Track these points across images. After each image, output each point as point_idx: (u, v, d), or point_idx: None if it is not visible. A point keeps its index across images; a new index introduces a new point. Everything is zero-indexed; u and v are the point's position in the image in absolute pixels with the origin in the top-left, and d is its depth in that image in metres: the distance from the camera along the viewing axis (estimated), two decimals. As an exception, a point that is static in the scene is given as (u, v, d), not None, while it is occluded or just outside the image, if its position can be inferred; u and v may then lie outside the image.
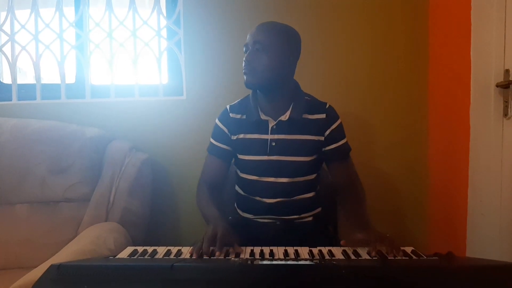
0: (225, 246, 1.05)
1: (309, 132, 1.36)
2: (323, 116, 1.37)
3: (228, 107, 1.44)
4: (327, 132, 1.37)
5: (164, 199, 2.00)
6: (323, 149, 1.38)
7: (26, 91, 2.02)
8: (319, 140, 1.37)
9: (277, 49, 1.28)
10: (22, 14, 2.01)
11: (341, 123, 1.40)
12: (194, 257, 1.01)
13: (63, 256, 1.32)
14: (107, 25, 1.99)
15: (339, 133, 1.39)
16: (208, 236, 1.06)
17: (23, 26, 1.99)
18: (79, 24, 2.01)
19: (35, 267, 1.23)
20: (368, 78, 1.97)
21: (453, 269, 0.87)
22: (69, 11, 2.02)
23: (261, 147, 1.36)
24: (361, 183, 1.41)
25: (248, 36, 1.31)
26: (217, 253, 1.01)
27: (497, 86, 1.40)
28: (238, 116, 1.41)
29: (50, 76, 2.12)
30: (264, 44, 1.27)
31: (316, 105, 1.39)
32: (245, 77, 1.30)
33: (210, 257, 1.01)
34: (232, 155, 1.45)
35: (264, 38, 1.27)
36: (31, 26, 1.99)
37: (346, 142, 1.41)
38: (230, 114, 1.41)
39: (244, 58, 1.29)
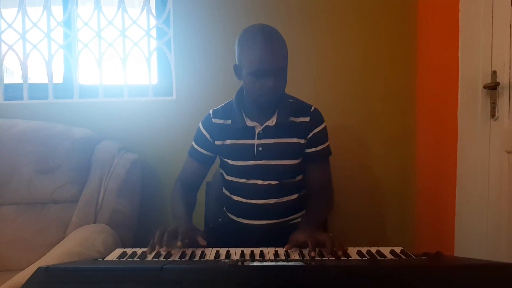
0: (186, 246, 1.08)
1: (294, 135, 1.36)
2: (307, 119, 1.36)
3: (211, 112, 1.42)
4: (310, 135, 1.36)
5: (153, 199, 1.98)
6: (305, 150, 1.39)
7: (13, 91, 2.00)
8: (303, 143, 1.37)
9: (286, 64, 1.27)
10: (9, 13, 1.98)
11: (325, 127, 1.39)
12: (148, 253, 1.04)
13: (51, 258, 1.30)
14: (95, 24, 1.98)
15: (321, 137, 1.38)
16: (168, 230, 1.08)
17: (10, 25, 1.96)
18: (67, 23, 1.99)
19: (22, 269, 1.21)
20: (356, 79, 1.98)
21: (442, 268, 0.88)
22: (57, 10, 2.00)
23: (247, 152, 1.35)
24: (333, 189, 1.42)
25: (259, 62, 1.20)
26: (178, 244, 1.05)
27: (484, 87, 1.42)
28: (221, 121, 1.38)
29: (37, 76, 2.09)
30: (283, 67, 1.24)
31: (301, 108, 1.38)
32: (266, 100, 1.26)
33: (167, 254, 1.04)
34: (213, 160, 1.45)
35: (282, 61, 1.23)
36: (18, 25, 1.97)
37: (328, 146, 1.41)
38: (213, 120, 1.39)
39: (266, 85, 1.21)
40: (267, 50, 1.19)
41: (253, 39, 1.22)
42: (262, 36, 1.21)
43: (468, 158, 1.53)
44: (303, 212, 1.47)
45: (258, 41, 1.20)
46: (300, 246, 1.09)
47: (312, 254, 1.01)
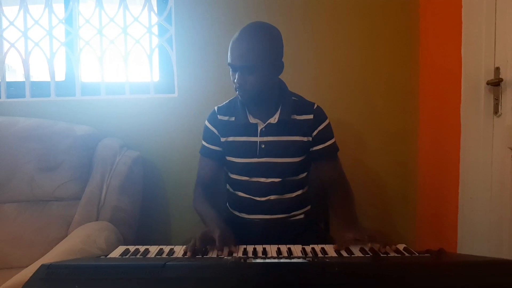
0: (224, 246, 1.06)
1: (298, 133, 1.36)
2: (311, 117, 1.36)
3: (216, 108, 1.43)
4: (315, 133, 1.37)
5: (155, 197, 1.99)
6: (311, 149, 1.39)
7: (15, 88, 2.00)
8: (307, 141, 1.37)
9: (264, 64, 1.23)
10: (11, 11, 1.98)
11: (329, 123, 1.40)
12: (187, 256, 1.01)
13: (53, 255, 1.30)
14: (97, 21, 1.97)
15: (326, 134, 1.39)
16: (202, 235, 1.06)
17: (11, 23, 1.96)
18: (69, 20, 1.99)
19: (25, 267, 1.21)
20: (359, 76, 1.98)
21: (444, 265, 0.88)
22: (59, 8, 1.99)
23: (250, 149, 1.36)
24: (349, 182, 1.42)
25: (231, 56, 1.23)
26: (218, 253, 1.03)
27: (487, 83, 1.41)
28: (226, 118, 1.40)
29: (39, 74, 2.09)
30: (251, 66, 1.22)
31: (304, 106, 1.39)
32: (239, 95, 1.29)
33: (203, 255, 1.02)
34: (224, 155, 1.45)
35: (250, 60, 1.21)
36: (19, 22, 1.96)
37: (334, 143, 1.41)
38: (218, 116, 1.40)
39: (234, 80, 1.25)
40: (239, 46, 1.22)
41: (237, 35, 1.24)
42: (244, 32, 1.23)
43: (471, 155, 1.52)
44: (306, 208, 1.48)
45: (237, 36, 1.23)
46: (349, 244, 1.09)
47: (377, 247, 1.03)
